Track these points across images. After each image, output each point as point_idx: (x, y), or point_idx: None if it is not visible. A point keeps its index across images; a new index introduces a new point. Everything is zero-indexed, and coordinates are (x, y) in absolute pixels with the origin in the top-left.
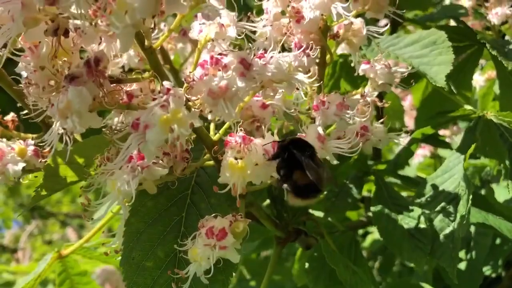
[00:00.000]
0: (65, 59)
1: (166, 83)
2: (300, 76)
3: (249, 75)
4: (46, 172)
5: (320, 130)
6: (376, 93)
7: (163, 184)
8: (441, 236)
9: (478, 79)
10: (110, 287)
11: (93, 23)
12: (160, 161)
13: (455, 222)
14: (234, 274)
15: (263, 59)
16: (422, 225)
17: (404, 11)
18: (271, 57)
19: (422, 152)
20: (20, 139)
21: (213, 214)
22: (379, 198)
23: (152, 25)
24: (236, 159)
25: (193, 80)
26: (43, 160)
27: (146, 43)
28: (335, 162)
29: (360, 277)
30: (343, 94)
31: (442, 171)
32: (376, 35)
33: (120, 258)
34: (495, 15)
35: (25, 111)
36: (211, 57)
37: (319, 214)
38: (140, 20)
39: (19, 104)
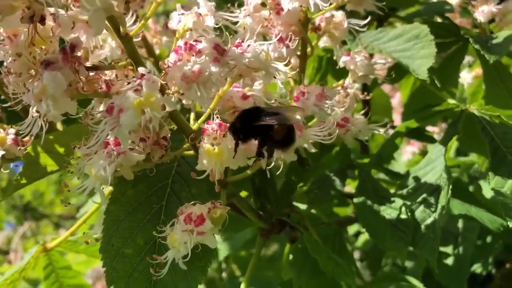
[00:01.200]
0: (43, 47)
1: (141, 69)
2: (277, 64)
3: (223, 61)
4: (25, 161)
5: (299, 118)
6: (356, 85)
7: (143, 173)
8: (423, 227)
9: (466, 77)
10: (101, 286)
11: (66, 8)
12: (137, 147)
13: (436, 212)
14: (212, 260)
15: (240, 47)
16: (404, 216)
17: (384, 3)
18: (248, 45)
19: (411, 149)
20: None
21: (193, 202)
22: (362, 190)
23: (125, 11)
24: (212, 145)
25: (168, 66)
26: (22, 149)
27: (121, 30)
28: (313, 150)
29: (343, 268)
30: (323, 85)
31: (425, 164)
32: (358, 28)
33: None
34: (481, 13)
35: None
36: (185, 43)
37: (303, 206)
38: (111, 4)
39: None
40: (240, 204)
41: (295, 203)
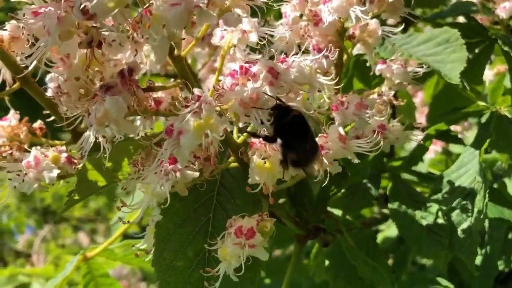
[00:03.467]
0: (96, 68)
1: (196, 90)
2: (322, 78)
3: (278, 84)
4: (79, 178)
5: (341, 130)
6: (392, 92)
7: (191, 186)
8: (459, 231)
9: (488, 74)
10: (124, 285)
11: (130, 36)
12: (191, 165)
13: (472, 216)
14: (261, 271)
15: (285, 63)
16: (440, 220)
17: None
18: (293, 61)
19: (434, 148)
20: (48, 146)
21: (240, 214)
22: (396, 195)
23: (183, 36)
24: (263, 159)
25: (223, 88)
26: (75, 167)
27: (175, 52)
28: (356, 160)
29: (381, 273)
30: (360, 94)
31: (457, 167)
32: (390, 35)
33: (147, 259)
34: (503, 9)
35: (52, 118)
36: (241, 67)
37: (337, 212)
38: (174, 32)
39: (45, 111)
40: (279, 213)
41: (329, 209)
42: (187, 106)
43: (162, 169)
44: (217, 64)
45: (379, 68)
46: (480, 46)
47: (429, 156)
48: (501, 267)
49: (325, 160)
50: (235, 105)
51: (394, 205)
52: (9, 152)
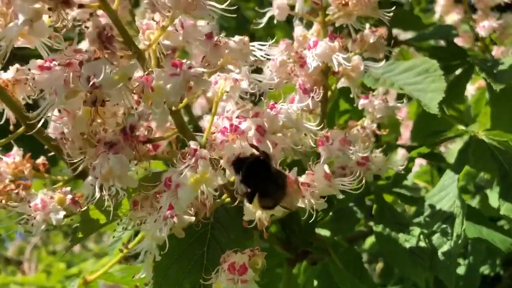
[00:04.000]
0: (99, 120)
1: (193, 144)
2: (307, 124)
3: (264, 140)
4: (82, 217)
5: (326, 169)
6: (374, 125)
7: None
8: (439, 253)
9: (469, 89)
10: None
11: (133, 107)
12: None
13: (452, 240)
14: None
15: (274, 109)
16: (422, 243)
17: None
18: (281, 108)
19: (419, 161)
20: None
21: (233, 249)
22: (380, 218)
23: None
24: None
25: (214, 140)
26: (79, 209)
27: (173, 108)
28: (341, 196)
29: None
30: (344, 127)
31: (439, 189)
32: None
33: None
34: (482, 28)
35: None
36: (231, 125)
37: (325, 232)
38: (174, 100)
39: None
40: (270, 240)
41: (318, 230)
42: (183, 159)
43: (161, 215)
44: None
45: (361, 103)
46: (460, 68)
47: (414, 169)
48: (486, 272)
49: (310, 198)
50: (224, 161)
51: (378, 228)
52: (16, 191)
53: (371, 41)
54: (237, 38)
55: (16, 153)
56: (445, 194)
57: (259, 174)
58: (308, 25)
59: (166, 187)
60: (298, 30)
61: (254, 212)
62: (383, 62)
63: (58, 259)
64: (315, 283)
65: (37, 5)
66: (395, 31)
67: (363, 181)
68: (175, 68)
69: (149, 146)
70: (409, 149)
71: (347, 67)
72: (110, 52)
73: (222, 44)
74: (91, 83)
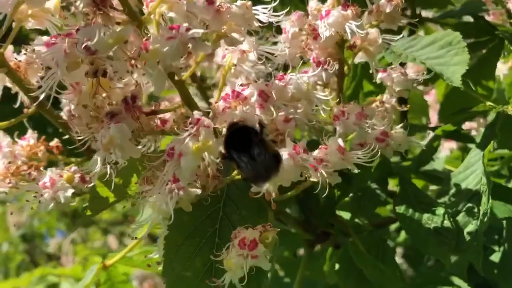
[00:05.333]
0: (104, 94)
1: (196, 113)
2: (318, 94)
3: (267, 106)
4: (91, 195)
5: (340, 142)
6: (393, 100)
7: (197, 200)
8: (465, 233)
9: (501, 68)
10: (149, 285)
11: (129, 71)
12: (194, 182)
13: (478, 219)
14: (265, 280)
15: (283, 80)
16: (447, 222)
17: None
18: (290, 78)
19: (449, 145)
20: (65, 164)
21: (245, 226)
22: (403, 198)
23: (181, 65)
24: None
25: (218, 108)
26: (87, 185)
27: (176, 77)
28: (356, 170)
29: (388, 276)
30: (362, 102)
31: (464, 167)
32: (394, 39)
33: (159, 268)
34: None
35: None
36: (233, 91)
37: (346, 215)
38: (171, 64)
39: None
40: (287, 220)
41: (338, 212)
42: (187, 129)
43: (166, 187)
44: None
45: (380, 76)
46: (490, 44)
47: (444, 153)
48: None
49: (323, 172)
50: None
51: (401, 209)
52: (28, 172)
53: (388, 10)
54: (239, 2)
55: (31, 136)
56: (470, 172)
57: (240, 144)
58: (323, 0)
59: (169, 157)
60: (313, 3)
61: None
62: (401, 35)
63: (95, 253)
64: (337, 266)
65: None
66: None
67: (378, 154)
68: (171, 31)
69: (157, 121)
70: (434, 129)
71: (364, 40)
72: (105, 15)
73: (225, 9)
74: (88, 49)
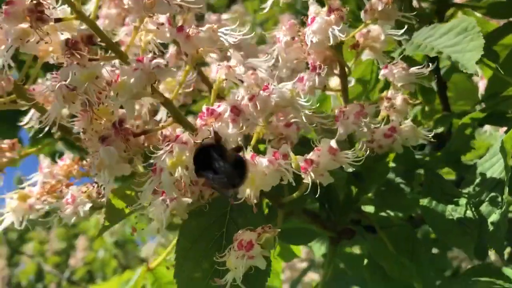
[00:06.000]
0: (104, 119)
1: (179, 130)
2: (301, 101)
3: (239, 120)
4: (107, 207)
5: (332, 143)
6: (399, 95)
7: (208, 205)
8: (488, 222)
9: None
10: None
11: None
12: (188, 192)
13: (502, 208)
14: (267, 279)
15: (267, 90)
16: (469, 212)
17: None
18: (273, 88)
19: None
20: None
21: (247, 228)
22: (428, 190)
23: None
24: None
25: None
26: (101, 200)
27: (162, 99)
28: (350, 169)
29: (410, 270)
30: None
31: (490, 155)
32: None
33: None
34: None
35: None
36: (207, 109)
37: (370, 209)
38: (137, 92)
39: None
40: (302, 219)
41: (364, 208)
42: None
43: (159, 199)
44: None
45: (382, 73)
46: None
47: None
48: None
49: (311, 173)
50: None
51: (425, 201)
52: (60, 190)
53: (380, 8)
54: (205, 27)
55: (68, 156)
56: (496, 159)
57: (203, 163)
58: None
59: (153, 172)
60: (312, 8)
61: (244, 188)
62: (404, 29)
63: None
64: (365, 261)
65: (22, 25)
66: None
67: (367, 153)
68: (138, 62)
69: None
70: (460, 115)
71: (366, 38)
72: (78, 56)
73: (193, 35)
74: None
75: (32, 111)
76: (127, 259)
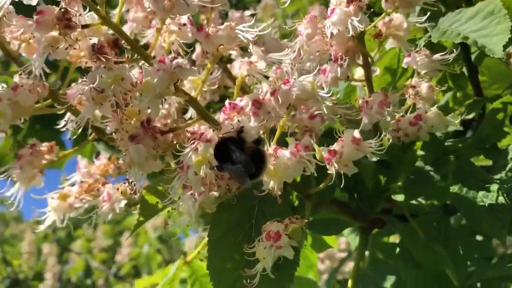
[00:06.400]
0: (134, 119)
1: (203, 128)
2: (322, 92)
3: (260, 113)
4: (141, 203)
5: (355, 133)
6: (424, 82)
7: (236, 198)
8: None
9: None
10: None
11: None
12: (215, 186)
13: None
14: (297, 268)
15: (288, 84)
16: (501, 198)
17: None
18: (293, 82)
19: None
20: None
21: (275, 219)
22: (458, 176)
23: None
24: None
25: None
26: (138, 196)
27: (186, 97)
28: (374, 158)
29: (441, 256)
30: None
31: None
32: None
33: None
34: None
35: None
36: (229, 103)
37: (400, 198)
38: (161, 92)
39: None
40: (331, 210)
41: (394, 197)
42: (189, 144)
43: (188, 194)
44: None
45: (405, 61)
46: None
47: None
48: None
49: (335, 164)
50: None
51: (455, 188)
52: (97, 188)
53: None
54: (224, 25)
55: (104, 156)
56: None
57: (222, 155)
58: None
59: (181, 169)
60: None
61: (268, 180)
62: (426, 16)
63: None
64: (397, 250)
65: (52, 33)
66: None
67: (389, 141)
68: (160, 63)
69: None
70: (492, 100)
71: (389, 27)
72: (104, 60)
73: (213, 33)
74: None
75: (68, 114)
76: (171, 253)
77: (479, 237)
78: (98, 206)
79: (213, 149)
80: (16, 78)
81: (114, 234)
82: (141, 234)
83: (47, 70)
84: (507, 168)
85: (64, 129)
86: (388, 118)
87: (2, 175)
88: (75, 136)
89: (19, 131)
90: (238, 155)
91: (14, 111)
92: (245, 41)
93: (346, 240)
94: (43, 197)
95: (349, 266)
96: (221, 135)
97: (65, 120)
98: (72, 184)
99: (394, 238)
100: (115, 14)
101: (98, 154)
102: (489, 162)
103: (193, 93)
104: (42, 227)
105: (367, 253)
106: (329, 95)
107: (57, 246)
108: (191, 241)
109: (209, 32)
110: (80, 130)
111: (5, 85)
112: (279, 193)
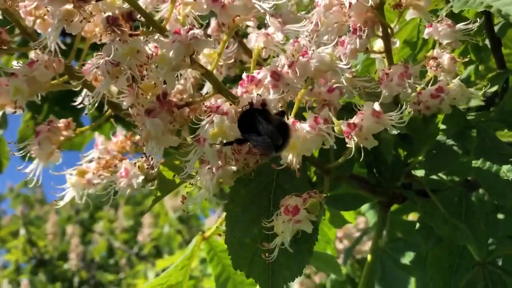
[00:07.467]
0: (150, 94)
1: (219, 101)
2: (341, 64)
3: (280, 85)
4: (159, 179)
5: (375, 106)
6: (446, 53)
7: (254, 173)
8: None
9: None
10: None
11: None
12: (233, 160)
13: None
14: (316, 242)
15: (306, 56)
16: None
17: None
18: (312, 53)
19: None
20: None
21: (293, 194)
22: (481, 150)
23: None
24: None
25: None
26: (151, 172)
27: (203, 70)
28: (394, 131)
29: (462, 231)
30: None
31: None
32: None
33: None
34: None
35: None
36: (247, 76)
37: (421, 172)
38: (177, 64)
39: None
40: (350, 185)
41: (414, 172)
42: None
43: (206, 168)
44: None
45: (427, 32)
46: None
47: None
48: None
49: (354, 137)
50: None
51: (478, 162)
52: (115, 164)
53: None
54: None
55: (120, 133)
56: None
57: (248, 126)
58: None
59: (197, 142)
60: None
61: (286, 154)
62: None
63: None
64: (417, 225)
65: (66, 6)
66: None
67: (410, 114)
68: (175, 34)
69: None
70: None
71: None
72: (119, 32)
73: (228, 4)
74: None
75: (85, 90)
76: (191, 233)
77: (500, 216)
78: (116, 182)
79: (238, 118)
80: (32, 54)
81: (135, 215)
82: (162, 215)
83: (62, 46)
84: None
85: (80, 105)
86: (409, 90)
87: (22, 151)
88: (91, 112)
89: (39, 113)
90: (265, 126)
91: (30, 87)
92: (262, 11)
93: (365, 219)
94: (61, 173)
95: (367, 244)
96: (245, 105)
97: (81, 96)
98: (90, 161)
99: (413, 216)
100: None
101: (115, 132)
102: None
103: (209, 67)
104: (61, 203)
105: (384, 232)
106: (348, 66)
107: (80, 227)
108: (212, 222)
109: (225, 2)
110: (95, 105)
111: (21, 62)
112: (298, 166)
